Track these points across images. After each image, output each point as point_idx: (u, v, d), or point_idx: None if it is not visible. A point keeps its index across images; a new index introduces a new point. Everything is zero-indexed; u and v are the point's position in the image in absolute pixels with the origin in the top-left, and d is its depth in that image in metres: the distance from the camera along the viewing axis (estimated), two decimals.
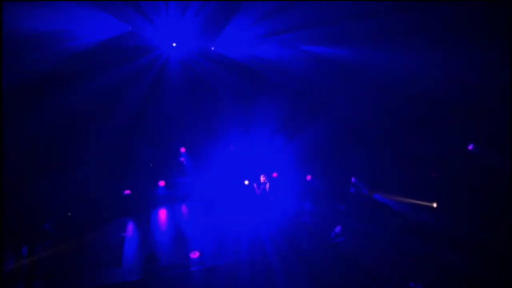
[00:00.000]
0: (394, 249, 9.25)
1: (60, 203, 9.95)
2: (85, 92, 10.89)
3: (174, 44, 12.16)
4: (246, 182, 11.91)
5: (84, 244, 9.50)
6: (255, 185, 10.50)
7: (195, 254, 8.76)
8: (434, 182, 11.15)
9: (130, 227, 10.45)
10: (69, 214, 10.04)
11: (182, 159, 12.66)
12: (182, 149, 12.74)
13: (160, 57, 12.24)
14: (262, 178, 10.44)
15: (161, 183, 11.94)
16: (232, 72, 12.87)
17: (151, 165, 12.23)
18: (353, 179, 12.84)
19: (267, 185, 10.41)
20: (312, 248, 9.61)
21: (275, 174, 12.58)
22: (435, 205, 10.70)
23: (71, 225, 9.83)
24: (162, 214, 11.35)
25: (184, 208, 11.69)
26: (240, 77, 12.89)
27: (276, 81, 12.58)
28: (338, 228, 10.05)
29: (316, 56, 12.15)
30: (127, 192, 11.33)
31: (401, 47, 11.02)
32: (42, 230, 9.35)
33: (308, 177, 12.80)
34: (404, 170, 11.81)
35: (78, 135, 10.74)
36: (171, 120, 12.59)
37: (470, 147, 10.93)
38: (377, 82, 12.03)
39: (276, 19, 11.36)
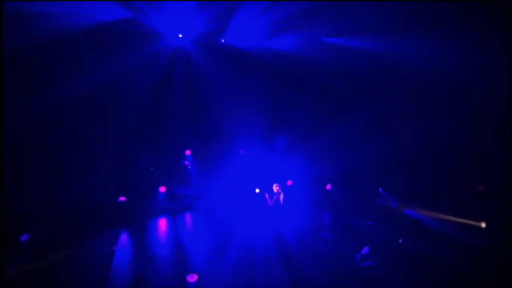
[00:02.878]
0: (438, 280, 7.58)
1: (42, 210, 8.80)
2: (79, 86, 9.78)
3: (180, 35, 11.08)
4: (257, 191, 10.65)
5: (66, 259, 8.21)
6: (267, 195, 9.00)
7: (192, 277, 7.36)
8: (481, 197, 9.48)
9: (122, 240, 9.17)
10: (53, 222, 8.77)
11: (186, 162, 11.57)
12: (187, 152, 11.64)
13: (163, 51, 11.23)
14: (275, 188, 8.96)
15: (162, 189, 10.85)
16: (245, 67, 11.77)
17: (151, 168, 11.14)
18: (380, 190, 11.30)
19: (281, 196, 8.89)
20: (334, 273, 8.01)
21: (289, 182, 11.36)
22: (483, 225, 9.00)
23: (54, 236, 8.59)
24: (161, 225, 10.12)
25: (186, 219, 10.48)
26: (253, 72, 11.78)
27: (293, 75, 11.37)
28: (365, 249, 8.44)
29: (337, 47, 10.95)
30: (122, 198, 10.19)
31: (432, 37, 9.94)
32: (18, 241, 8.07)
33: (328, 186, 11.52)
34: (442, 181, 10.16)
35: (67, 134, 9.67)
36: (175, 119, 11.60)
37: None
38: (407, 75, 10.81)
39: (290, 6, 10.12)
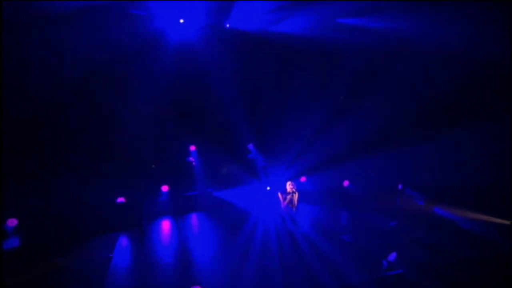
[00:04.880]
0: None
1: (30, 214, 7.97)
2: (70, 73, 8.88)
3: (181, 21, 10.21)
4: (268, 188, 9.89)
5: (56, 268, 7.43)
6: (280, 194, 8.05)
7: None
8: None
9: (121, 246, 8.40)
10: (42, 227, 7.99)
11: (191, 159, 10.83)
12: (192, 147, 10.92)
13: (164, 36, 10.24)
14: (289, 186, 7.98)
15: (164, 188, 10.11)
16: (254, 53, 10.84)
17: (152, 166, 10.40)
18: (400, 186, 10.38)
19: (296, 196, 7.92)
20: (357, 283, 7.05)
21: (303, 179, 10.57)
22: None
23: (43, 243, 7.83)
24: (162, 228, 9.35)
25: (191, 222, 9.72)
26: (263, 59, 10.82)
27: (305, 60, 10.57)
28: (392, 255, 7.46)
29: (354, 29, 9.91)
30: (121, 199, 9.42)
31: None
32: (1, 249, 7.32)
33: (346, 183, 10.71)
34: (477, 176, 9.06)
35: (58, 127, 8.79)
36: (179, 112, 10.75)
37: None
38: (433, 58, 9.81)
39: None
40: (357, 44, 10.01)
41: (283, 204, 8.04)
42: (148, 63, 10.10)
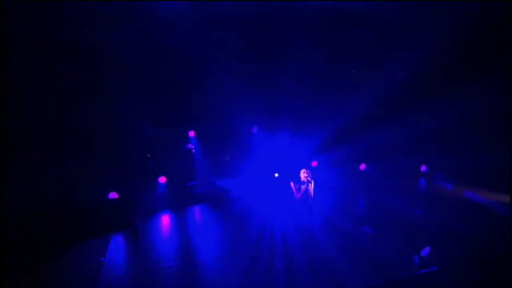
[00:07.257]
0: None
1: (10, 213, 7.16)
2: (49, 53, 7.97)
3: None
4: (276, 175, 9.28)
5: (41, 277, 6.68)
6: (292, 184, 7.10)
7: None
8: None
9: (113, 248, 7.73)
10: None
11: (190, 145, 10.23)
12: (191, 133, 10.28)
13: (156, 6, 9.17)
14: (303, 175, 7.03)
15: (162, 180, 9.52)
16: (258, 24, 9.73)
17: (148, 155, 9.80)
18: (423, 168, 9.63)
19: (311, 185, 6.96)
20: (383, 283, 6.20)
21: (314, 163, 9.81)
22: None
23: (27, 247, 7.02)
24: (162, 225, 8.69)
25: (193, 216, 9.07)
26: (263, 31, 9.73)
27: (311, 31, 9.38)
28: (425, 250, 6.60)
29: None
30: (113, 195, 8.74)
31: None
32: None
33: (362, 166, 9.94)
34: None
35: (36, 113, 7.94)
36: (175, 94, 10.01)
37: None
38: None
39: None
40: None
41: (297, 195, 7.07)
42: (138, 37, 9.18)
